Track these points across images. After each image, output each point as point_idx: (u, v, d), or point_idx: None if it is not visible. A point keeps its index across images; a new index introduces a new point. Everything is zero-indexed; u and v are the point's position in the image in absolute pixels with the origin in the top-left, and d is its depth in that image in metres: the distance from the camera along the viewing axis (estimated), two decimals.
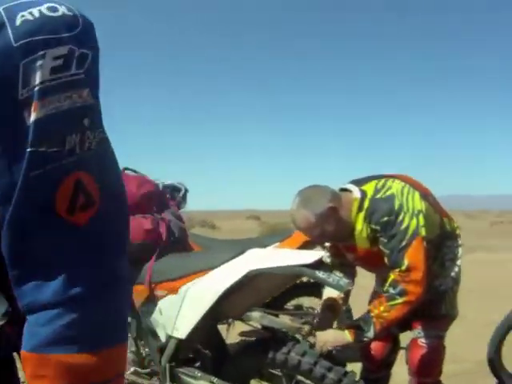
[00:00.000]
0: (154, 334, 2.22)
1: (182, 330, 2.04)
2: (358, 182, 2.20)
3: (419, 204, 2.07)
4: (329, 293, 2.32)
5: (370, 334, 1.99)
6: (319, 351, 1.97)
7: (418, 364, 2.24)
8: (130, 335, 2.44)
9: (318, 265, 1.85)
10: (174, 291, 2.08)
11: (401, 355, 2.51)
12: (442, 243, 2.20)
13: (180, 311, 2.04)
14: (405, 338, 2.29)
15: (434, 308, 2.12)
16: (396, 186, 2.10)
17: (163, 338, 2.17)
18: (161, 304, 2.15)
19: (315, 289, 3.14)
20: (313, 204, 2.06)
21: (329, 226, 2.07)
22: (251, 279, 1.91)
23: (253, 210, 65.22)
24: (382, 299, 1.99)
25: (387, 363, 2.49)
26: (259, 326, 3.76)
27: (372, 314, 1.99)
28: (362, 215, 2.09)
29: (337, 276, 1.86)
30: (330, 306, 2.30)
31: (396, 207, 2.02)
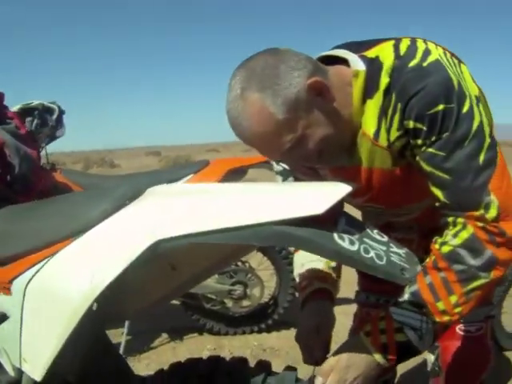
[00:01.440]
0: None
1: (35, 363, 0.97)
2: (354, 47, 1.06)
3: (473, 86, 1.00)
4: (307, 260, 1.23)
5: (424, 347, 0.96)
6: None
7: (454, 365, 1.37)
8: None
9: (335, 218, 0.78)
10: (4, 288, 1.00)
11: None
12: None
13: (23, 327, 0.98)
14: None
15: None
16: (436, 50, 0.99)
17: (11, 371, 1.11)
18: None
19: None
20: (277, 81, 0.93)
21: (313, 124, 0.97)
22: (164, 253, 0.84)
23: (152, 146, 62.82)
24: (452, 279, 0.92)
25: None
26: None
27: (432, 316, 0.94)
28: (374, 103, 1.00)
29: (379, 243, 0.79)
30: (321, 291, 1.19)
31: (455, 86, 0.94)
